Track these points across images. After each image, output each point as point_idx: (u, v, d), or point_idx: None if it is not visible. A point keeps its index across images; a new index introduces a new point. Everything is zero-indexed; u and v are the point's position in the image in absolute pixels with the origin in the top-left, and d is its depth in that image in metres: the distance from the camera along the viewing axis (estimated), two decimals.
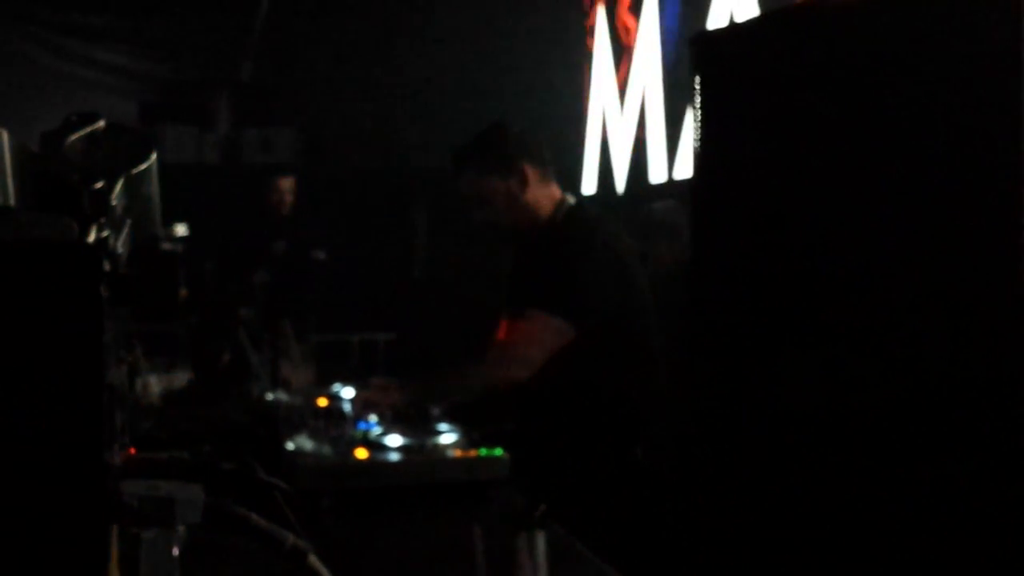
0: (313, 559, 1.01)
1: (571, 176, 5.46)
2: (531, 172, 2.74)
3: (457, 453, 2.17)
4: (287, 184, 6.34)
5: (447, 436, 2.27)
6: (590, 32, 5.74)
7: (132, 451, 1.09)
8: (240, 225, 6.30)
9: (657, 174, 4.79)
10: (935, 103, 1.33)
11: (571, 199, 2.84)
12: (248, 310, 3.75)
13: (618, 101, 5.33)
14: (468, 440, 2.24)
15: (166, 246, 2.25)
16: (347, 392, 2.75)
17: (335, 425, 2.40)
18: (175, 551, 1.12)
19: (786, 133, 1.50)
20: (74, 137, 0.87)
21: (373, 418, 2.44)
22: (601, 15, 5.63)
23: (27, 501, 0.79)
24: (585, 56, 5.78)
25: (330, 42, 6.86)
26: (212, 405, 2.97)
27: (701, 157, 1.57)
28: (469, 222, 2.90)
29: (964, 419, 1.28)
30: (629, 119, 5.14)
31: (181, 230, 2.45)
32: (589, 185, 5.69)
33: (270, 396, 2.90)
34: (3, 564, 0.78)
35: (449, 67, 6.62)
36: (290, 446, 2.25)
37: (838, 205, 1.44)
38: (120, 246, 0.88)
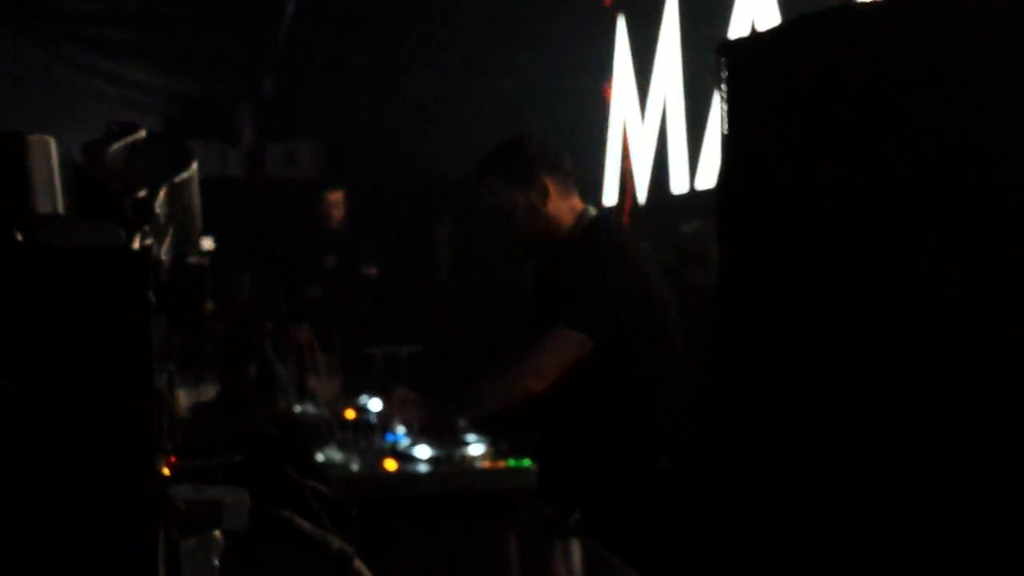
0: (358, 563, 1.03)
1: (592, 187, 5.47)
2: (552, 184, 2.76)
3: (485, 464, 2.19)
4: (336, 197, 6.33)
5: (475, 447, 2.28)
6: (611, 43, 5.75)
7: (172, 459, 1.11)
8: (285, 239, 6.29)
9: (678, 185, 4.79)
10: (973, 109, 1.33)
11: (592, 210, 2.85)
12: (298, 325, 3.77)
13: (639, 112, 5.34)
14: (496, 451, 2.25)
15: (193, 260, 2.27)
16: (374, 404, 2.78)
17: (363, 436, 2.42)
18: (215, 561, 1.14)
19: (817, 141, 1.50)
20: (116, 147, 0.89)
21: (401, 429, 2.46)
22: (622, 26, 5.65)
23: (78, 505, 0.80)
24: (606, 67, 5.80)
25: (352, 56, 6.91)
26: (240, 417, 3.00)
27: (728, 167, 1.58)
28: (493, 234, 2.92)
29: (1008, 432, 1.28)
30: (650, 130, 5.15)
31: (208, 244, 2.48)
32: (610, 196, 5.70)
33: (297, 408, 2.93)
34: (56, 567, 0.79)
35: (471, 80, 6.65)
36: (320, 458, 2.28)
37: (871, 214, 1.44)
38: (163, 254, 0.90)
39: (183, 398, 2.99)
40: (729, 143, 1.59)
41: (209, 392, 3.30)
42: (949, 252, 1.39)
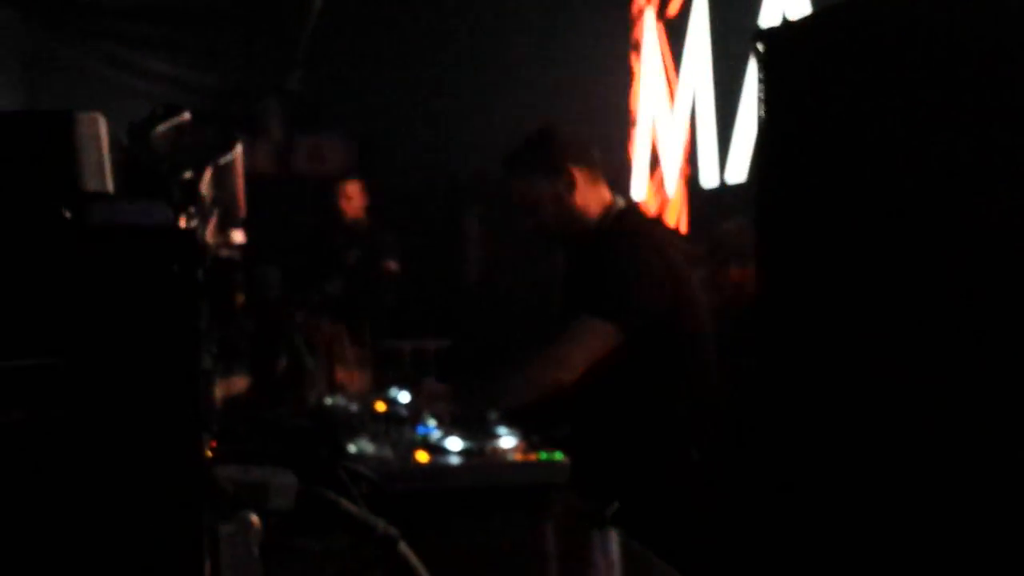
0: (403, 546, 1.02)
1: (621, 182, 5.45)
2: (580, 175, 2.75)
3: (517, 456, 2.18)
4: (352, 188, 6.23)
5: (506, 440, 2.27)
6: (637, 37, 5.73)
7: (213, 444, 1.11)
8: (308, 232, 6.25)
9: (709, 179, 4.77)
10: (1013, 95, 1.30)
11: (621, 202, 2.84)
12: (323, 319, 3.78)
13: (668, 105, 5.32)
14: (528, 444, 2.24)
15: (223, 253, 2.27)
16: (404, 397, 2.77)
17: (394, 429, 2.41)
18: (255, 549, 1.13)
19: (852, 127, 1.48)
20: (161, 128, 0.89)
21: (432, 422, 2.46)
22: (650, 18, 5.62)
23: (123, 483, 0.80)
24: (634, 60, 5.78)
25: (380, 50, 6.91)
26: (271, 410, 3.01)
27: (765, 152, 1.56)
28: (521, 228, 2.91)
29: None
30: (679, 123, 5.13)
31: (238, 237, 2.48)
32: (639, 190, 5.68)
33: (328, 401, 2.93)
34: (103, 547, 0.79)
35: (500, 75, 6.64)
36: (351, 449, 2.27)
37: (915, 204, 1.42)
38: (208, 236, 0.90)
39: (215, 390, 3.00)
40: (766, 129, 1.58)
41: (239, 385, 3.31)
42: (993, 242, 1.37)
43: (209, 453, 0.95)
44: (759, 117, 1.66)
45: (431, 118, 7.35)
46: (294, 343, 3.36)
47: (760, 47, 1.65)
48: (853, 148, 1.53)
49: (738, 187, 4.37)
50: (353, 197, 6.20)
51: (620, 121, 5.87)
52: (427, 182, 7.32)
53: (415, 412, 2.51)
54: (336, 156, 7.59)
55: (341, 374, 3.26)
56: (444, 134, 7.34)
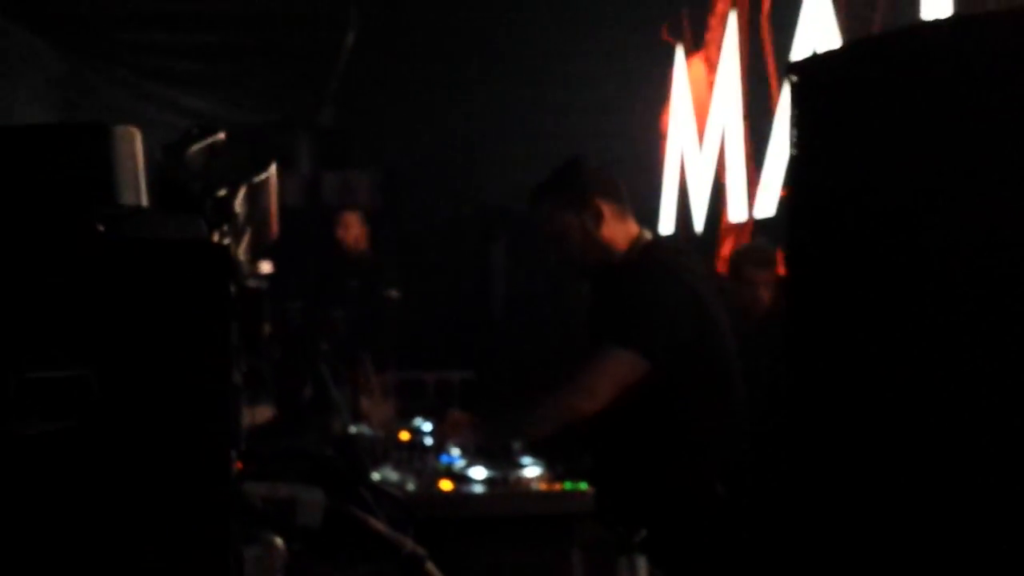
0: (431, 566, 1.02)
1: (649, 217, 5.46)
2: (607, 208, 2.75)
3: (542, 486, 2.18)
4: (350, 219, 6.25)
5: (531, 469, 2.27)
6: (669, 73, 5.76)
7: (239, 465, 1.11)
8: (317, 263, 6.29)
9: (737, 213, 4.77)
10: None
11: (648, 235, 2.84)
12: (328, 346, 3.79)
13: (697, 141, 5.34)
14: (552, 473, 2.23)
15: (251, 283, 2.28)
16: (428, 426, 2.78)
17: (418, 457, 2.42)
18: (280, 571, 1.13)
19: (886, 158, 1.48)
20: (196, 148, 0.90)
21: (456, 451, 2.46)
22: (680, 57, 5.66)
23: (151, 496, 0.80)
24: (663, 97, 5.80)
25: (408, 85, 6.98)
26: (295, 438, 3.01)
27: (797, 183, 1.56)
28: (547, 261, 2.91)
29: None
30: (708, 158, 5.14)
31: (266, 268, 2.50)
32: (667, 224, 5.69)
33: (352, 429, 2.94)
34: (128, 558, 0.79)
35: (526, 108, 6.69)
36: (376, 477, 2.28)
37: (942, 231, 1.41)
38: (241, 254, 0.90)
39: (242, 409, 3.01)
40: (798, 160, 1.58)
41: (265, 415, 3.32)
42: None
43: (239, 466, 0.96)
44: (791, 146, 1.66)
45: (458, 151, 7.40)
46: (320, 373, 3.37)
47: (794, 78, 1.66)
48: (886, 180, 1.52)
49: (766, 221, 4.37)
50: (351, 227, 6.21)
51: (650, 154, 5.89)
52: (454, 214, 7.35)
53: (439, 441, 2.51)
54: (364, 189, 7.65)
55: (366, 404, 3.27)
56: (471, 167, 7.39)
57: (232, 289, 0.79)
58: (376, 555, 1.05)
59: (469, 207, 7.33)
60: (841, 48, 1.74)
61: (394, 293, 6.17)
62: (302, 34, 6.34)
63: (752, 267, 4.15)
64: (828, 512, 1.66)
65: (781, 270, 4.15)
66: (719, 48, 4.99)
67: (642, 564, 1.23)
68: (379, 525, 1.03)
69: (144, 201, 0.80)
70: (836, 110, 1.61)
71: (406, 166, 7.61)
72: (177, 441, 0.80)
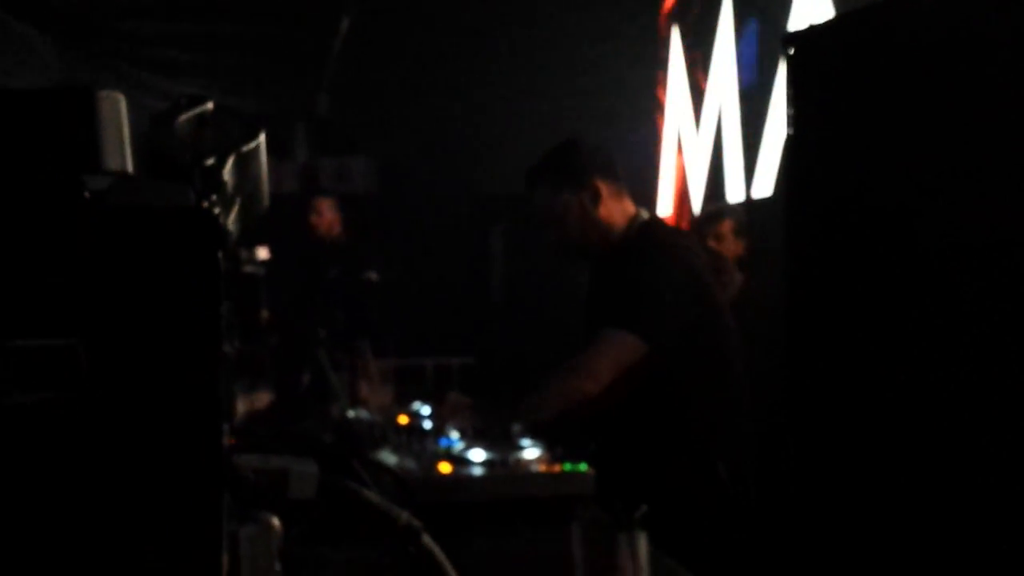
0: (427, 539, 1.00)
1: (646, 199, 5.44)
2: (604, 187, 2.74)
3: (541, 468, 2.16)
4: (324, 205, 6.20)
5: (530, 451, 2.26)
6: (664, 55, 5.74)
7: (232, 441, 1.10)
8: (297, 251, 6.24)
9: (734, 194, 4.75)
10: None
11: (645, 214, 2.82)
12: (326, 332, 3.78)
13: (694, 122, 5.32)
14: (552, 455, 2.22)
15: (248, 268, 2.25)
16: (427, 410, 2.77)
17: (417, 440, 2.41)
18: (275, 551, 1.11)
19: (886, 130, 1.47)
20: (184, 117, 0.88)
21: (455, 434, 2.44)
22: (676, 38, 5.63)
23: (140, 467, 0.78)
24: (660, 78, 5.78)
25: (404, 71, 6.95)
26: (294, 423, 3.01)
27: (796, 154, 1.55)
28: (545, 244, 2.90)
29: None
30: (705, 139, 5.13)
31: (263, 253, 2.48)
32: (665, 206, 5.68)
33: (351, 414, 2.93)
34: (119, 531, 0.78)
35: (524, 94, 6.66)
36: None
37: (943, 202, 1.40)
38: (230, 224, 0.89)
39: (238, 404, 3.01)
40: (795, 129, 1.57)
41: (264, 399, 3.32)
42: None
43: (231, 440, 0.94)
44: (788, 116, 1.65)
45: (455, 139, 7.38)
46: (318, 359, 3.36)
47: (789, 52, 1.65)
48: (881, 147, 1.51)
49: (764, 201, 4.36)
50: (324, 212, 6.17)
51: (647, 137, 5.87)
52: (452, 200, 7.34)
53: (438, 424, 2.50)
54: (360, 175, 7.65)
55: (364, 389, 3.26)
56: (468, 155, 7.37)
57: (221, 256, 0.77)
58: (371, 529, 1.03)
59: (469, 193, 7.32)
60: (835, 18, 1.73)
61: (374, 276, 6.14)
62: (297, 22, 6.32)
63: (732, 233, 4.18)
64: (830, 504, 1.65)
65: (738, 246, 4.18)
66: (714, 28, 4.97)
67: (642, 540, 1.21)
68: (373, 497, 1.01)
69: (130, 168, 0.79)
70: (831, 79, 1.60)
71: (403, 153, 7.60)
72: (166, 412, 0.78)
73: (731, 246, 4.20)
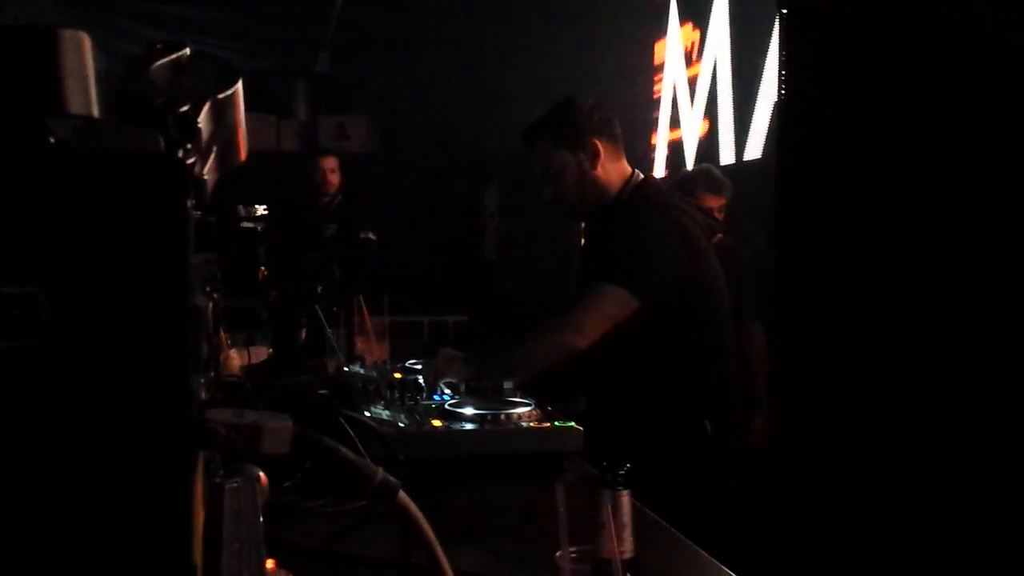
0: (403, 496, 0.98)
1: (641, 159, 5.42)
2: (602, 147, 2.73)
3: (531, 423, 2.17)
4: (330, 163, 6.18)
5: (521, 407, 2.26)
6: (660, 16, 5.69)
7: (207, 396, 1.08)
8: (293, 208, 6.23)
9: (727, 155, 4.73)
10: None
11: (640, 174, 2.82)
12: (323, 288, 3.77)
13: (687, 84, 5.28)
14: (542, 412, 2.23)
15: (246, 224, 2.24)
16: (421, 366, 2.77)
17: (410, 396, 2.41)
18: (259, 504, 1.10)
19: (875, 94, 1.46)
20: (160, 63, 0.87)
21: (447, 390, 2.45)
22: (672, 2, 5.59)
23: (107, 421, 0.76)
24: (657, 43, 5.74)
25: (403, 32, 6.92)
26: (290, 378, 3.01)
27: (787, 109, 1.54)
28: (541, 203, 2.89)
29: None
30: (699, 101, 5.10)
31: (261, 210, 2.47)
32: (659, 167, 5.66)
33: (346, 369, 2.94)
34: (85, 490, 0.76)
35: (521, 52, 6.62)
36: (367, 415, 2.27)
37: (934, 164, 1.39)
38: (206, 173, 0.87)
39: (235, 360, 3.01)
40: (786, 88, 1.56)
41: (261, 354, 3.32)
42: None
43: (203, 395, 0.92)
44: (779, 78, 1.64)
45: (452, 97, 7.34)
46: (315, 314, 3.36)
47: (783, 11, 1.63)
48: (871, 110, 1.51)
49: (754, 163, 4.35)
50: (325, 171, 6.14)
51: (643, 100, 5.84)
52: (447, 159, 7.32)
53: (430, 379, 2.51)
54: (359, 134, 7.62)
55: (360, 345, 3.26)
56: (466, 111, 7.33)
57: (188, 204, 0.76)
58: (347, 485, 1.01)
59: (465, 151, 7.28)
60: None
61: (371, 235, 6.12)
62: None
63: (704, 192, 4.13)
64: (810, 464, 1.66)
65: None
66: None
67: (626, 498, 1.22)
68: (349, 453, 0.99)
69: (95, 112, 0.77)
70: (822, 38, 1.59)
71: (400, 110, 7.56)
72: (130, 364, 0.75)
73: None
